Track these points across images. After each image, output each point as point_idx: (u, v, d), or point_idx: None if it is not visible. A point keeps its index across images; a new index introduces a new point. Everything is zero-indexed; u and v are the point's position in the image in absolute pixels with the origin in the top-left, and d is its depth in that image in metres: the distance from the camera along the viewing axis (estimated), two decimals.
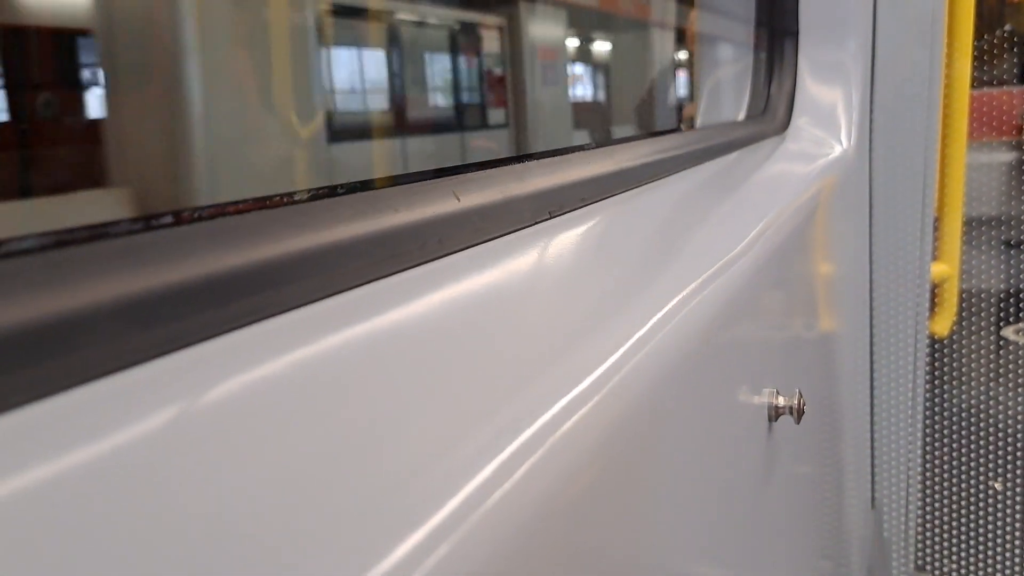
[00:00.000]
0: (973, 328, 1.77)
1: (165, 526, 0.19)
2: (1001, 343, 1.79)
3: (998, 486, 1.76)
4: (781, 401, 0.59)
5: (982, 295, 1.77)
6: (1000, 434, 1.75)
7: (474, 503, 0.25)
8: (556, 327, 0.38)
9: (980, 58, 1.67)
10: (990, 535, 1.77)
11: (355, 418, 0.26)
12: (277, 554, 0.20)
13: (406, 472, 0.25)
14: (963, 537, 1.78)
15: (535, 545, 0.28)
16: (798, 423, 0.59)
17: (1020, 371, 1.76)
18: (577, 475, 0.31)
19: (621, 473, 0.36)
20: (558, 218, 0.47)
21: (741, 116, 1.19)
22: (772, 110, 1.15)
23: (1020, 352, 1.77)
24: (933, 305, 1.55)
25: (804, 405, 0.59)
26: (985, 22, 1.66)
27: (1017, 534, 1.75)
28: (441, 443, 0.27)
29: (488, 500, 0.26)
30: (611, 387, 0.35)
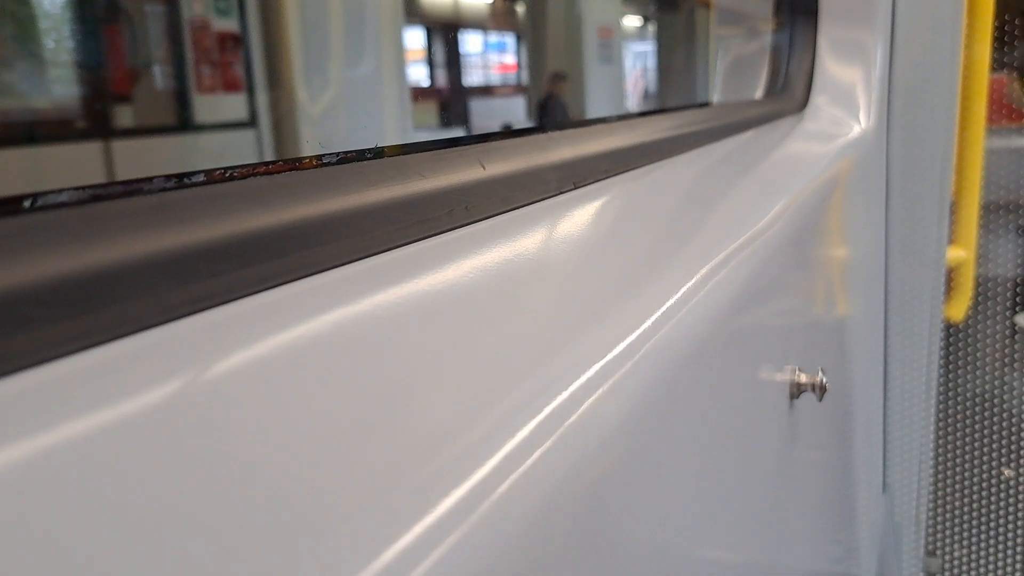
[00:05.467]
0: (988, 314, 1.76)
1: (188, 481, 0.19)
2: (1016, 330, 1.78)
3: (1009, 473, 1.76)
4: (803, 378, 0.58)
5: (997, 281, 1.76)
6: (1012, 421, 1.74)
7: (503, 471, 0.25)
8: (580, 298, 0.37)
9: (1000, 41, 1.65)
10: (1001, 521, 1.76)
11: (378, 383, 0.26)
12: (295, 517, 0.20)
13: (427, 444, 0.25)
14: (974, 523, 1.77)
15: (556, 518, 0.28)
16: (820, 400, 0.59)
17: None
18: (598, 449, 0.31)
19: (641, 448, 0.36)
20: (582, 188, 0.46)
21: (759, 94, 1.18)
22: (790, 88, 1.14)
23: None
24: (948, 289, 1.54)
25: (826, 383, 0.58)
26: (1005, 5, 1.64)
27: None
28: (465, 412, 0.27)
29: (517, 470, 0.25)
30: (634, 362, 0.34)
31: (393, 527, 0.21)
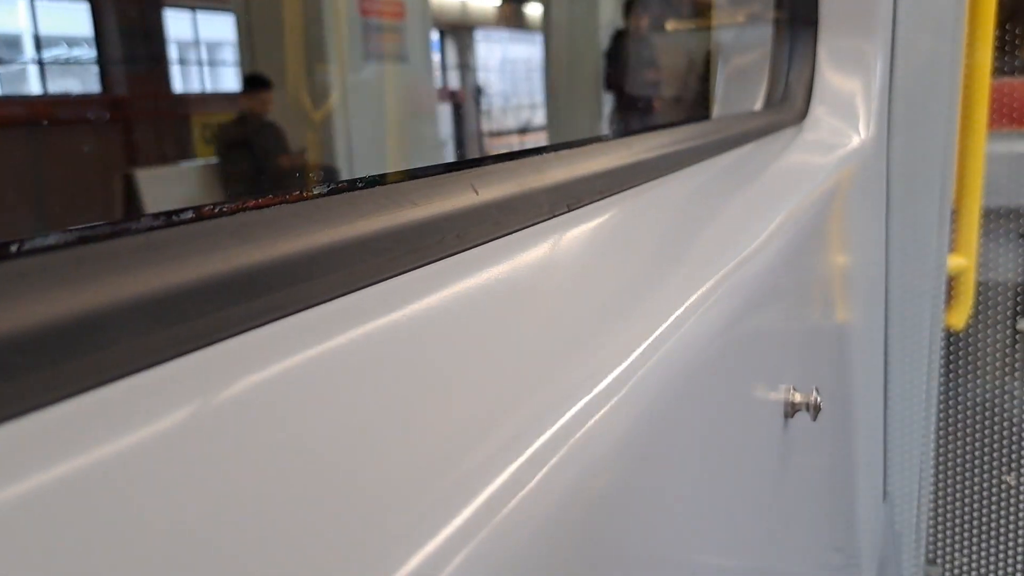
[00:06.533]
0: (988, 321, 1.76)
1: (182, 525, 0.19)
2: (1017, 336, 1.77)
3: (1011, 480, 1.76)
4: (797, 397, 0.58)
5: (998, 288, 1.76)
6: (1014, 428, 1.74)
7: (498, 501, 0.25)
8: (575, 322, 0.37)
9: (1001, 47, 1.65)
10: (1002, 529, 1.76)
11: (375, 415, 0.26)
12: (297, 554, 0.20)
13: (426, 471, 0.25)
14: (975, 531, 1.77)
15: (556, 542, 0.28)
16: (814, 420, 0.59)
17: None
18: (598, 470, 0.31)
19: (641, 468, 0.36)
20: (576, 211, 0.46)
21: (758, 106, 1.18)
22: (790, 99, 1.14)
23: None
24: (949, 297, 1.54)
25: (820, 402, 0.58)
26: (1007, 11, 1.64)
27: None
28: (461, 441, 0.27)
29: (512, 499, 0.26)
30: (632, 383, 0.34)
31: (399, 550, 0.21)
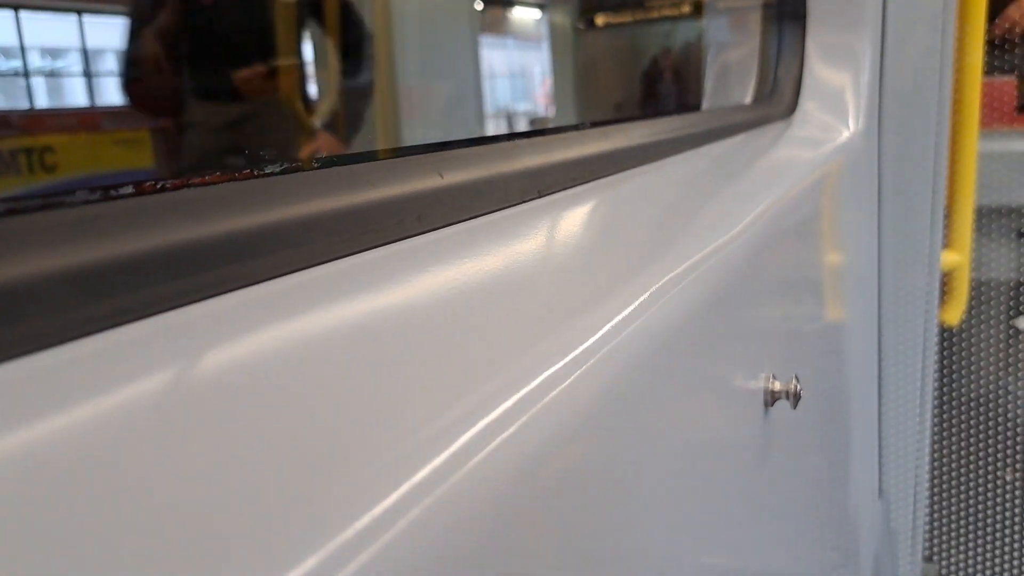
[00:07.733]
0: (983, 318, 1.75)
1: (110, 508, 0.19)
2: (1012, 333, 1.77)
3: (1008, 477, 1.75)
4: (777, 386, 0.58)
5: (993, 285, 1.75)
6: (1010, 424, 1.73)
7: (440, 475, 0.24)
8: (539, 308, 0.37)
9: (993, 44, 1.64)
10: (999, 526, 1.75)
11: (320, 395, 0.26)
12: (242, 526, 0.20)
13: (370, 446, 0.24)
14: (972, 528, 1.76)
15: (501, 517, 0.27)
16: (794, 408, 0.58)
17: None
18: (557, 458, 0.31)
19: (601, 448, 0.35)
20: (547, 197, 0.46)
21: (748, 99, 1.18)
22: (779, 93, 1.13)
23: None
24: (943, 294, 1.53)
25: (800, 390, 0.58)
26: (999, 8, 1.64)
27: None
28: (409, 417, 0.26)
29: (454, 474, 0.25)
30: (591, 364, 0.33)
31: (341, 516, 0.21)
